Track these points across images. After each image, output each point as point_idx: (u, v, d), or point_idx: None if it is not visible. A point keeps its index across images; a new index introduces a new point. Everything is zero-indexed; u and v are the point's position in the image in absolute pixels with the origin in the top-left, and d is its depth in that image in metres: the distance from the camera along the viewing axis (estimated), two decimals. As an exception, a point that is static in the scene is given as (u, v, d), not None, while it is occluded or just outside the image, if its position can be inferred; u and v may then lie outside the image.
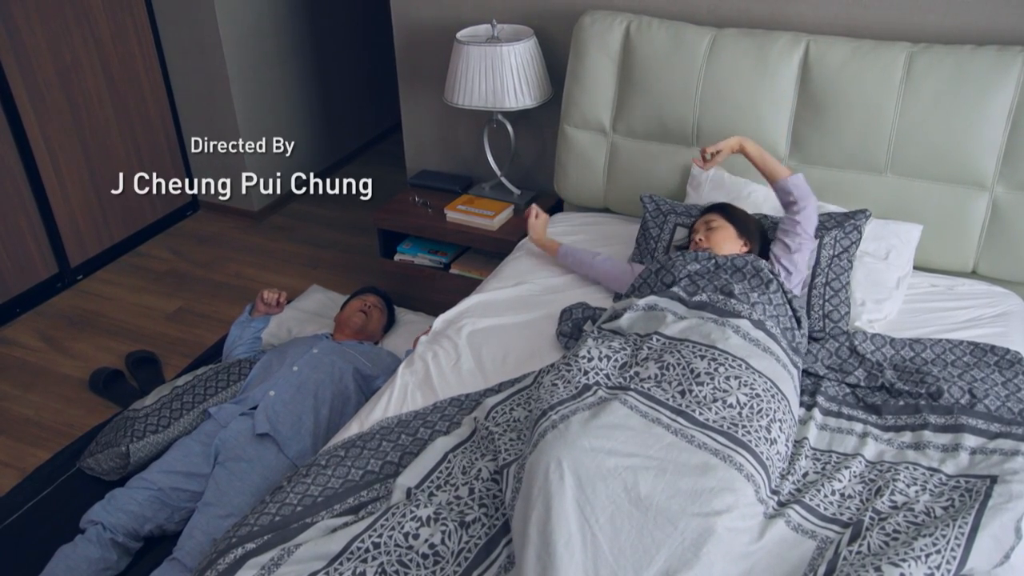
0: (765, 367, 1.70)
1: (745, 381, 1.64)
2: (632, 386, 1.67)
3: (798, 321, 1.95)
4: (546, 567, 1.31)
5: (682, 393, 1.63)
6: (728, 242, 2.12)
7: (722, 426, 1.55)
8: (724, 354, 1.70)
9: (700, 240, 2.14)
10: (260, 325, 2.84)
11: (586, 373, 1.75)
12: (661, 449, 1.50)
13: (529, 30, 2.77)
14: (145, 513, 2.10)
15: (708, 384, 1.63)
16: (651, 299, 1.94)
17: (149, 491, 2.13)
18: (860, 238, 2.19)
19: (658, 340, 1.80)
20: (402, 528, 1.47)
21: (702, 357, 1.70)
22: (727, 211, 2.19)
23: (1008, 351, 1.93)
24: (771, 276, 1.97)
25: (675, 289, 1.94)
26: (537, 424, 1.58)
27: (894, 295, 2.18)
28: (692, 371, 1.67)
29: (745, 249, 2.12)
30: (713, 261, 2.02)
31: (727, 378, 1.64)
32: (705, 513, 1.39)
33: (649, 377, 1.69)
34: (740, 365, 1.68)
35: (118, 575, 2.07)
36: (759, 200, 2.36)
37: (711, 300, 1.88)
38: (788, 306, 1.93)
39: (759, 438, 1.54)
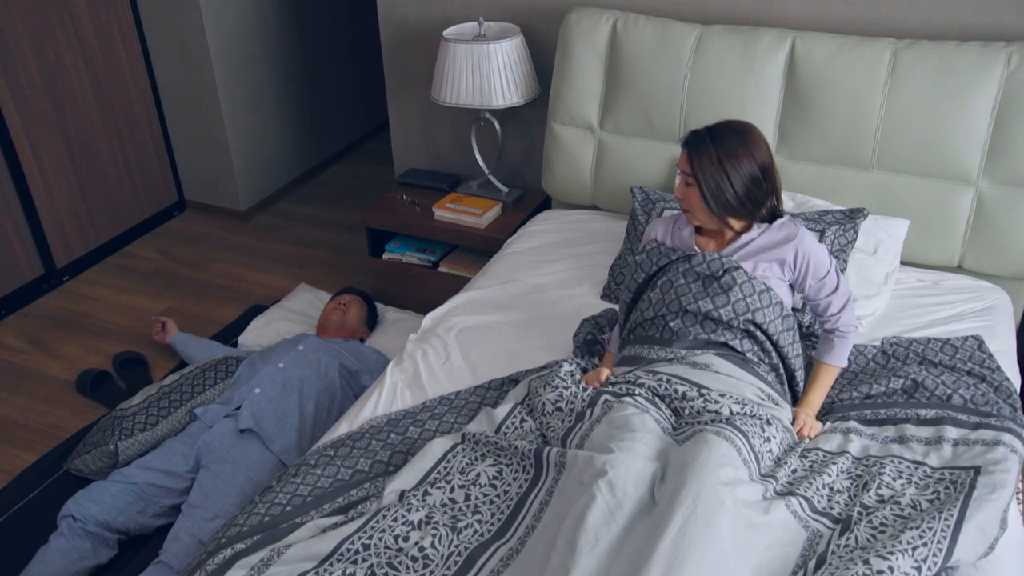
0: (751, 393, 1.72)
1: (738, 399, 1.67)
2: (636, 391, 1.70)
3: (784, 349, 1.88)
4: (568, 569, 1.32)
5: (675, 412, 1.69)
6: (700, 212, 1.75)
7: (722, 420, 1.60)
8: (711, 377, 1.72)
9: (681, 198, 1.76)
10: (187, 345, 2.85)
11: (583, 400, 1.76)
12: (673, 453, 1.53)
13: (516, 28, 2.77)
14: (118, 504, 2.10)
15: (698, 400, 1.67)
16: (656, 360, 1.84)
17: (124, 484, 2.14)
18: (856, 238, 2.20)
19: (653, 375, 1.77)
20: (393, 531, 1.47)
21: (690, 385, 1.71)
22: (699, 162, 1.70)
23: (965, 339, 1.95)
24: (772, 299, 1.82)
25: (675, 348, 1.82)
26: (567, 440, 1.62)
27: (882, 291, 2.19)
28: (682, 396, 1.69)
29: (741, 225, 1.80)
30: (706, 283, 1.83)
31: (721, 394, 1.68)
32: (713, 483, 1.40)
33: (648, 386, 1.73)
34: (733, 384, 1.72)
35: (99, 567, 2.08)
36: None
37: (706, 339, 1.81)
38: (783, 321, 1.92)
39: (754, 432, 1.58)
